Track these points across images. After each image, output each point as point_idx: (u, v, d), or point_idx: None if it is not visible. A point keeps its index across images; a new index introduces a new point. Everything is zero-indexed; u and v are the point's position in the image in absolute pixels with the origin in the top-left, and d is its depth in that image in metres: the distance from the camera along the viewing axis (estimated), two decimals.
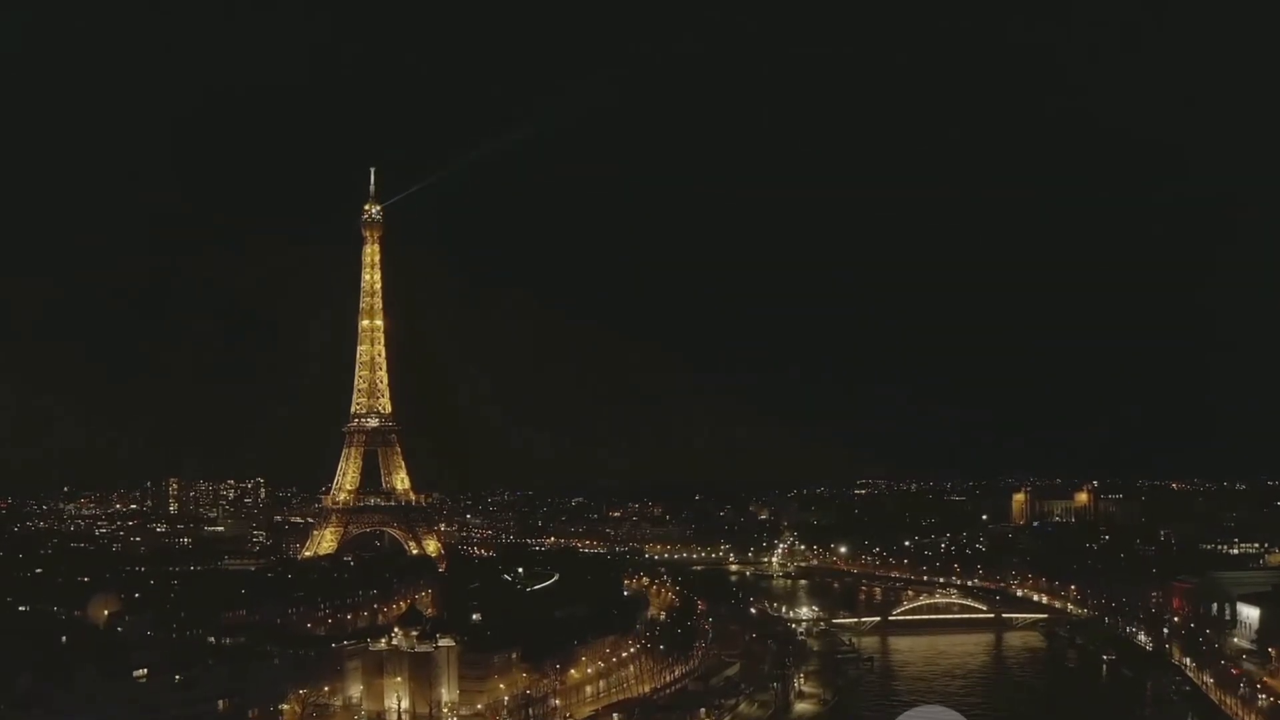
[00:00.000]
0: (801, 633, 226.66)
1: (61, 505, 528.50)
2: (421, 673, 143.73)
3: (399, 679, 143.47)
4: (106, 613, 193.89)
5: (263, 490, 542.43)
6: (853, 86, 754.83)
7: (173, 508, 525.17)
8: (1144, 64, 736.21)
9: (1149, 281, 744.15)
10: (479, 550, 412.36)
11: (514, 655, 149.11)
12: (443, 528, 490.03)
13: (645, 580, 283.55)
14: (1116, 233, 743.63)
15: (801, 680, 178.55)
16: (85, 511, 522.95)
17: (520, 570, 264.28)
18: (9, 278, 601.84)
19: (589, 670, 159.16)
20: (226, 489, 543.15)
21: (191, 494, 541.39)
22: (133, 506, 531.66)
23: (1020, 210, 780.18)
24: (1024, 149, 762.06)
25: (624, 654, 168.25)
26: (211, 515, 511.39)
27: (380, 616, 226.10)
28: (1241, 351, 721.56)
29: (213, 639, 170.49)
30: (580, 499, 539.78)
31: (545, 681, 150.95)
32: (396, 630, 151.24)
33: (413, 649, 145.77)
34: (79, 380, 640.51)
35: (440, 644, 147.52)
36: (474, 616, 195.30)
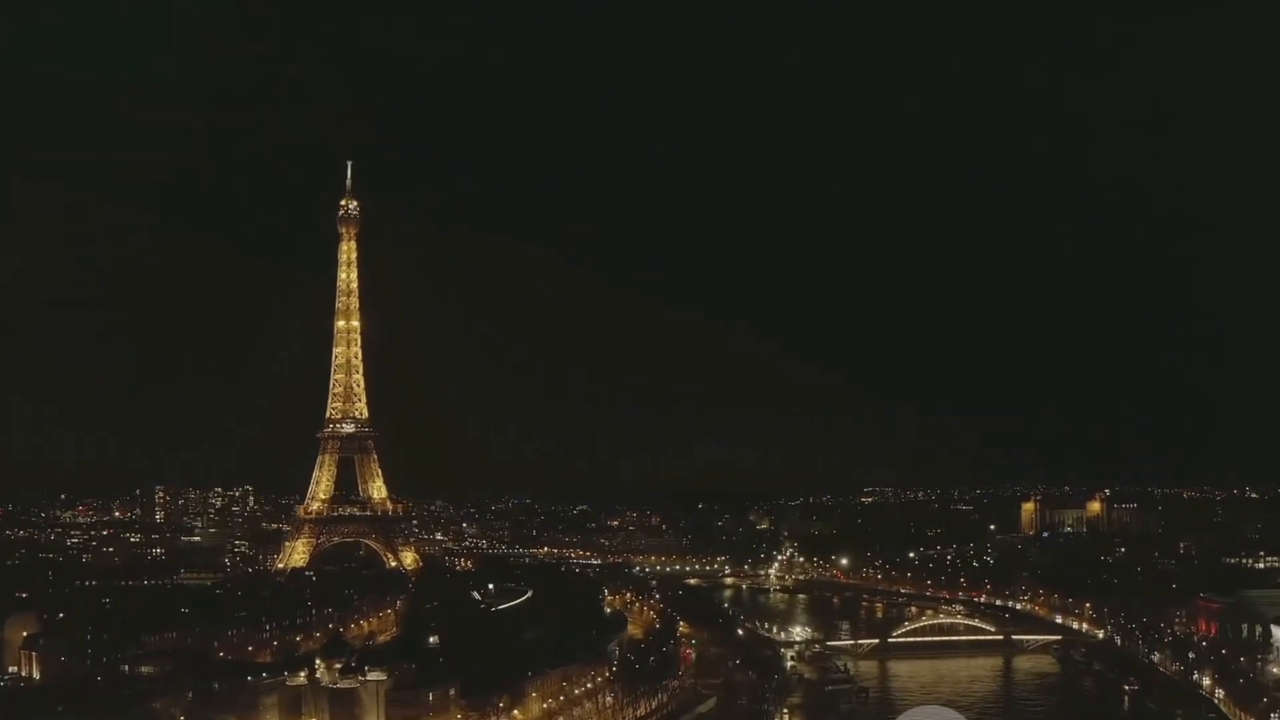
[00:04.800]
0: (793, 656, 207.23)
1: (59, 513, 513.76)
2: (343, 712, 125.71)
3: (317, 719, 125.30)
4: (25, 634, 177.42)
5: (251, 498, 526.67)
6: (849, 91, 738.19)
7: (159, 516, 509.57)
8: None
9: (1149, 283, 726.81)
10: (464, 562, 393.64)
11: (452, 691, 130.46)
12: (438, 536, 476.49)
13: (630, 596, 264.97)
14: (1116, 235, 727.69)
15: (785, 717, 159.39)
16: (81, 520, 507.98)
17: (490, 587, 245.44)
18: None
19: (542, 706, 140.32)
20: (215, 497, 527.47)
21: (180, 502, 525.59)
22: (131, 515, 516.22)
23: (1023, 215, 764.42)
24: (1024, 159, 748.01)
25: (586, 686, 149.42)
26: (196, 524, 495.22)
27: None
28: (1241, 355, 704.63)
29: (126, 667, 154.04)
30: (584, 507, 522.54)
31: None
32: (318, 661, 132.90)
33: (335, 684, 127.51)
34: (78, 385, 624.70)
35: (369, 677, 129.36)
36: (431, 640, 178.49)
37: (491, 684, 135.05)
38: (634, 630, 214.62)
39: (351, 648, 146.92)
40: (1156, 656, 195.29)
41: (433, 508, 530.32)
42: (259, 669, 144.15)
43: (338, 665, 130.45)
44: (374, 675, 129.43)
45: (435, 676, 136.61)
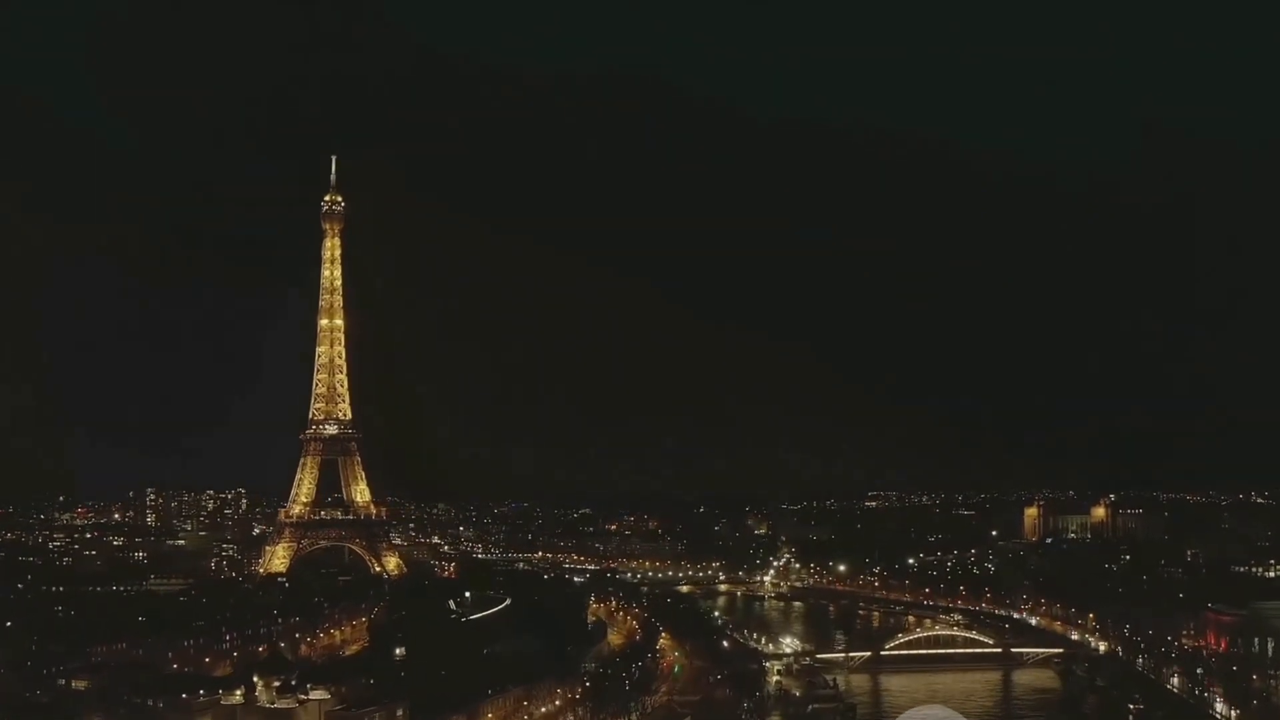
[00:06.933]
0: (779, 670, 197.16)
1: (58, 515, 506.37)
2: None
3: None
4: None
5: (244, 500, 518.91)
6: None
7: (150, 519, 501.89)
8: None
9: (1152, 284, 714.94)
10: (453, 567, 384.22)
11: (400, 712, 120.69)
12: (435, 540, 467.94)
13: (614, 604, 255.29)
14: (1117, 234, 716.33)
15: None
16: (78, 522, 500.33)
17: (467, 595, 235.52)
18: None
19: None
20: (207, 499, 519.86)
21: (173, 504, 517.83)
22: (125, 517, 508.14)
23: (1023, 215, 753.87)
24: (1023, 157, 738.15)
25: (551, 705, 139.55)
26: (185, 527, 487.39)
27: (304, 648, 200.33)
28: (1246, 356, 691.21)
29: (63, 681, 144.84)
30: (586, 510, 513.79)
31: None
32: (256, 679, 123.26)
33: (271, 704, 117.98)
34: (79, 385, 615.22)
35: (312, 697, 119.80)
36: (397, 652, 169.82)
37: (446, 703, 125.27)
38: (615, 640, 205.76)
39: (292, 663, 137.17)
40: (1164, 673, 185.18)
41: (435, 511, 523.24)
42: (200, 684, 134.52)
43: (275, 683, 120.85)
44: (316, 694, 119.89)
45: (390, 694, 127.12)
